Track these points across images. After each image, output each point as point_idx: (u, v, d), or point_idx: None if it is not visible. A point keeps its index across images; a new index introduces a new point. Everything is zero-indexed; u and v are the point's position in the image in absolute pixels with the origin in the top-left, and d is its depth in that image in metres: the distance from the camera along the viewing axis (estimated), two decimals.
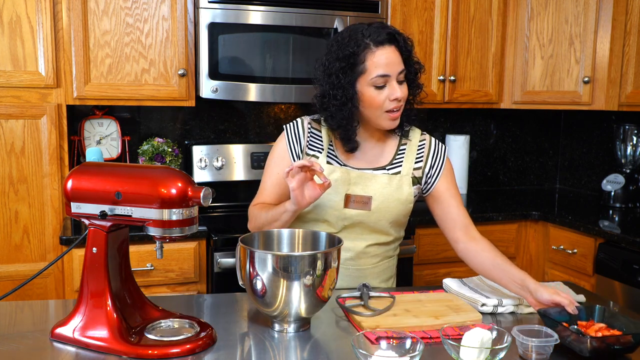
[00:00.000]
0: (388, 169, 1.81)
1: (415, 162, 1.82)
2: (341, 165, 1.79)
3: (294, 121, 1.85)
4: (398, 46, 1.70)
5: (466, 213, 1.82)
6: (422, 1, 2.99)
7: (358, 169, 1.79)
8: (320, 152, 1.80)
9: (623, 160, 3.18)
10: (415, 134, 1.87)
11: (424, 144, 1.86)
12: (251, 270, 1.40)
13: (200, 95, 2.68)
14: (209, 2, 2.62)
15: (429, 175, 1.83)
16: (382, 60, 1.67)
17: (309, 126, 1.83)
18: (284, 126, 1.85)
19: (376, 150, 1.82)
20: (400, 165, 1.81)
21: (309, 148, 1.81)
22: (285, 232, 1.60)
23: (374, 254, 1.83)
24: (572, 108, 3.11)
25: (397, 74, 1.69)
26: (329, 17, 2.75)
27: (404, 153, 1.83)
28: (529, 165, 3.76)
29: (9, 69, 2.43)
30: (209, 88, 2.66)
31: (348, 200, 1.75)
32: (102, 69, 2.57)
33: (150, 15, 2.60)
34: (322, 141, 1.81)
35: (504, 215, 2.97)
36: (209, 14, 2.63)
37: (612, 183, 3.15)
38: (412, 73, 1.76)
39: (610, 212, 3.08)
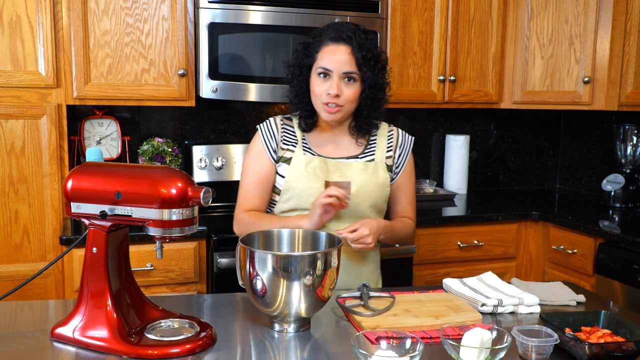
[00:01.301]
0: (361, 157, 1.89)
1: (387, 151, 1.91)
2: (316, 155, 1.87)
3: (267, 120, 1.92)
4: (352, 48, 1.77)
5: (413, 210, 1.96)
6: (422, 1, 2.99)
7: (333, 158, 1.87)
8: (295, 146, 1.87)
9: (623, 160, 3.18)
10: (383, 125, 1.95)
11: (392, 134, 1.94)
12: (251, 270, 1.40)
13: (200, 95, 2.68)
14: (209, 2, 2.62)
15: (397, 166, 1.93)
16: (330, 55, 1.78)
17: (282, 123, 1.91)
18: (258, 126, 1.92)
19: (347, 142, 1.91)
20: (373, 153, 1.90)
21: (283, 143, 1.88)
22: (285, 232, 1.61)
23: None
24: (572, 108, 3.11)
25: (340, 73, 1.77)
26: (329, 17, 2.75)
27: (375, 142, 1.92)
28: (529, 165, 3.76)
29: (9, 69, 2.43)
30: (209, 88, 2.66)
31: (328, 186, 1.81)
32: (102, 69, 2.57)
33: (150, 15, 2.60)
34: (295, 136, 1.89)
35: (504, 215, 2.97)
36: (209, 14, 2.63)
37: (612, 183, 3.15)
38: (365, 80, 1.79)
39: (610, 212, 3.08)
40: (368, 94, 1.81)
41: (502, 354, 1.26)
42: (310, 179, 1.82)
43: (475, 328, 1.28)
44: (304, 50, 1.83)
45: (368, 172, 1.86)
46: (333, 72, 1.77)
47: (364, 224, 1.74)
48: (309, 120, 1.88)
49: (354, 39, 1.77)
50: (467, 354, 1.24)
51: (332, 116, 1.81)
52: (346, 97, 1.79)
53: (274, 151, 1.87)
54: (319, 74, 1.79)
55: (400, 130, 1.96)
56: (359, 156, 1.89)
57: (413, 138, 1.98)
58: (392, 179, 1.93)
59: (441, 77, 3.06)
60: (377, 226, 1.76)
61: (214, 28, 2.64)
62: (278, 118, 1.92)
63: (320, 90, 1.79)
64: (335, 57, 1.77)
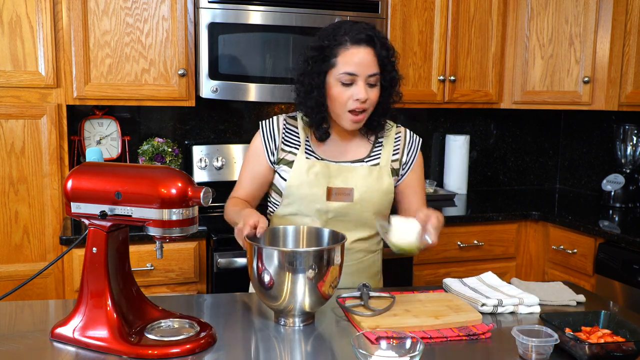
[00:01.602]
0: (366, 161, 1.83)
1: (393, 154, 1.86)
2: (319, 159, 1.82)
3: (270, 119, 1.87)
4: (375, 49, 1.70)
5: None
6: (422, 1, 2.99)
7: (336, 162, 1.82)
8: (297, 148, 1.82)
9: (623, 160, 3.18)
10: (392, 127, 1.89)
11: (399, 136, 1.89)
12: (259, 265, 1.43)
13: (200, 95, 2.68)
14: (209, 2, 2.62)
15: (404, 166, 1.87)
16: (353, 58, 1.68)
17: (285, 123, 1.86)
18: (260, 123, 1.87)
19: (353, 144, 1.85)
20: (379, 157, 1.84)
21: (284, 144, 1.83)
22: (290, 228, 1.66)
23: (359, 249, 1.85)
24: (572, 108, 3.11)
25: (366, 76, 1.69)
26: (329, 17, 2.75)
27: (381, 145, 1.86)
28: (529, 165, 3.76)
29: (9, 69, 2.43)
30: (209, 88, 2.66)
31: (330, 193, 1.77)
32: (102, 69, 2.57)
33: (150, 15, 2.60)
34: (298, 137, 1.84)
35: (504, 215, 2.97)
36: (209, 14, 2.63)
37: (612, 183, 3.15)
38: (387, 80, 1.75)
39: (610, 212, 3.08)
40: (389, 93, 1.77)
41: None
42: (312, 185, 1.77)
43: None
44: (320, 55, 1.71)
45: (372, 178, 1.80)
46: (358, 76, 1.68)
47: (436, 216, 1.57)
48: (324, 128, 1.80)
49: (376, 39, 1.70)
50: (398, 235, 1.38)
51: (358, 124, 1.75)
52: (371, 100, 1.72)
53: (272, 153, 1.83)
54: (342, 80, 1.69)
55: (408, 131, 1.91)
56: (365, 160, 1.83)
57: (421, 139, 1.92)
58: (398, 181, 1.87)
59: (441, 77, 3.06)
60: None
61: (214, 28, 2.64)
62: (282, 117, 1.87)
63: (345, 97, 1.70)
64: (359, 60, 1.68)
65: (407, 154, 1.87)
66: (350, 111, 1.72)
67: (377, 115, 1.80)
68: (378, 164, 1.83)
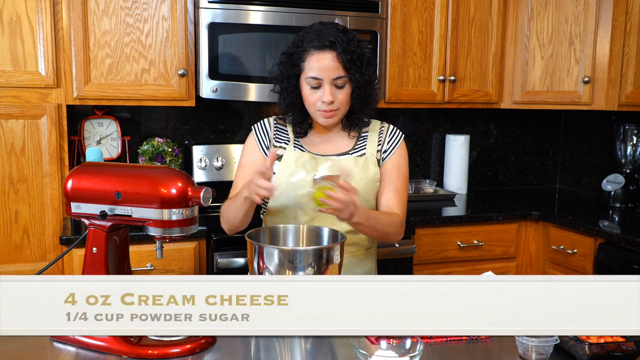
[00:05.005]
0: (352, 153, 1.90)
1: (377, 145, 1.93)
2: (307, 152, 1.90)
3: (260, 121, 1.96)
4: (337, 53, 1.77)
5: (399, 203, 1.87)
6: (422, 1, 2.99)
7: (323, 155, 1.89)
8: (287, 143, 1.91)
9: (623, 160, 3.18)
10: (375, 122, 1.97)
11: (383, 129, 1.96)
12: (260, 263, 1.45)
13: (200, 95, 2.68)
14: (209, 2, 2.62)
15: (384, 154, 1.92)
16: (317, 63, 1.77)
17: (275, 122, 1.96)
18: (252, 127, 1.95)
19: (338, 139, 1.93)
20: (364, 148, 1.91)
21: (276, 141, 1.92)
22: (290, 227, 1.70)
23: (350, 242, 1.87)
24: (572, 108, 3.11)
25: (331, 79, 1.77)
26: (329, 17, 2.74)
27: (366, 138, 1.93)
28: (529, 165, 3.76)
29: (9, 69, 2.43)
30: (209, 88, 2.66)
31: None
32: (102, 69, 2.57)
33: (150, 15, 2.60)
34: (288, 134, 1.93)
35: (504, 215, 2.97)
36: (209, 14, 2.63)
37: (612, 183, 3.15)
38: (354, 81, 1.79)
39: (610, 212, 3.08)
40: (359, 93, 1.82)
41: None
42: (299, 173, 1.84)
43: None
44: (289, 61, 1.82)
45: (358, 167, 1.87)
46: (323, 80, 1.77)
47: (348, 202, 1.62)
48: (304, 125, 1.90)
49: (337, 43, 1.77)
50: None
51: (329, 120, 1.83)
52: (340, 101, 1.80)
53: (267, 147, 1.91)
54: (310, 83, 1.79)
55: (391, 126, 1.97)
56: (350, 152, 1.90)
57: (402, 134, 1.97)
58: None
59: (441, 77, 3.06)
60: (353, 210, 1.64)
61: (214, 28, 2.64)
62: (272, 118, 1.96)
63: (314, 99, 1.80)
64: (322, 65, 1.76)
65: (388, 143, 1.93)
66: (320, 111, 1.80)
67: (354, 113, 1.87)
68: (364, 154, 1.90)
